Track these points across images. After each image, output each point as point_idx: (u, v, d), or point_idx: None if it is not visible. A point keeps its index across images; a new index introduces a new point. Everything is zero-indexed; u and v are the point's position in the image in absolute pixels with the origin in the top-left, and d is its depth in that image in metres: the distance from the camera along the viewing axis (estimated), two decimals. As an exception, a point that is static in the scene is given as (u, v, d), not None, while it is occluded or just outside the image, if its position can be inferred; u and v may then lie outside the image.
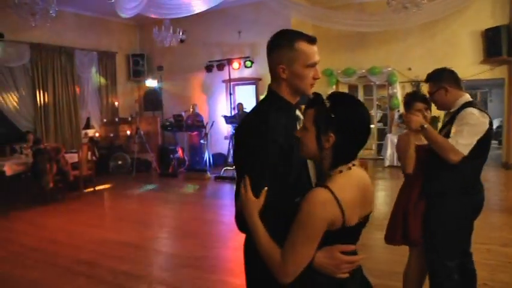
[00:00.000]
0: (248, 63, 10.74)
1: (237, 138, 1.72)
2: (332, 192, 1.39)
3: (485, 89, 18.16)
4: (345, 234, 1.46)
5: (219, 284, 4.03)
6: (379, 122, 11.69)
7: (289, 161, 1.60)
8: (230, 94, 10.95)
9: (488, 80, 10.30)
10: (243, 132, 1.68)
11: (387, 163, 9.98)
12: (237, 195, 1.61)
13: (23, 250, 5.20)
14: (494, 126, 16.55)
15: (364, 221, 1.53)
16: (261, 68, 10.78)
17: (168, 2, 8.11)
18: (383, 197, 7.48)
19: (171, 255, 4.99)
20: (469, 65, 9.46)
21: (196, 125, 10.46)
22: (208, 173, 9.66)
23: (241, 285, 3.03)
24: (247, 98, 11.07)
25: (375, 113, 11.48)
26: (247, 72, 10.91)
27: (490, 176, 8.72)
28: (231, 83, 10.99)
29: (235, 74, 10.90)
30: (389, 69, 10.10)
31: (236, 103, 10.71)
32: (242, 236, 1.72)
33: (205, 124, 10.46)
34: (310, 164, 1.70)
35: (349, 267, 1.50)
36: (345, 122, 1.44)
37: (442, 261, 2.74)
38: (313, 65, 1.69)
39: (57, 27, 9.65)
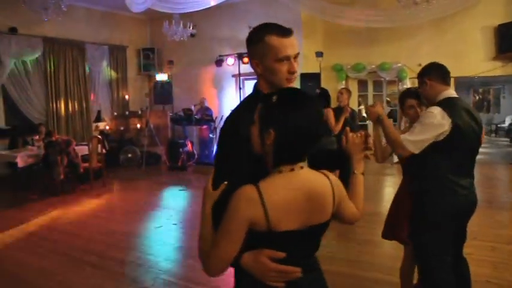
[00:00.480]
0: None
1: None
2: (259, 191, 1.35)
3: (498, 85, 17.97)
4: (274, 239, 1.38)
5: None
6: (389, 118, 11.65)
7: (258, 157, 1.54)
8: (240, 88, 10.97)
9: (501, 77, 10.20)
10: (222, 127, 1.74)
11: (395, 159, 9.93)
12: None
13: (35, 239, 5.33)
14: (507, 124, 16.45)
15: (313, 230, 1.44)
16: (270, 63, 10.79)
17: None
18: (390, 194, 7.46)
19: (178, 247, 5.06)
20: (481, 62, 9.37)
21: (206, 119, 10.53)
22: (217, 167, 9.71)
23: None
24: (257, 92, 11.08)
25: (387, 109, 11.45)
26: (257, 67, 10.92)
27: (499, 174, 8.67)
28: (241, 78, 11.02)
29: (245, 69, 10.93)
30: (399, 65, 10.03)
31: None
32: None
33: (214, 118, 10.52)
34: None
35: (279, 277, 1.40)
36: (284, 120, 1.39)
37: (426, 260, 2.75)
38: (285, 58, 1.63)
39: (69, 21, 9.75)
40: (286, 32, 1.64)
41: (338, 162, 1.92)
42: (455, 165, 2.62)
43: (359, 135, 1.68)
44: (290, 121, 1.38)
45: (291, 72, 1.65)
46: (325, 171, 1.53)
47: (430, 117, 2.53)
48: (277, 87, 1.62)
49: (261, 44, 1.63)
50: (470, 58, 9.44)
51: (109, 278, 4.11)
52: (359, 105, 11.96)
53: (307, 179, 1.44)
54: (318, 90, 6.24)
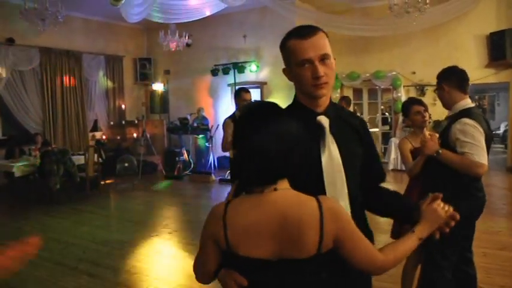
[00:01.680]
0: (253, 68, 10.83)
1: None
2: (225, 209, 1.28)
3: (493, 92, 18.16)
4: (236, 262, 1.29)
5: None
6: (383, 125, 11.73)
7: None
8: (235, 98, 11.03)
9: (495, 84, 10.30)
10: None
11: (391, 167, 10.00)
12: None
13: (31, 249, 5.34)
14: (501, 130, 16.55)
15: (287, 265, 1.24)
16: (266, 72, 10.88)
17: (172, 7, 8.25)
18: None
19: (173, 255, 5.08)
20: (474, 69, 9.44)
21: (202, 128, 10.57)
22: (213, 176, 9.76)
23: None
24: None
25: (380, 117, 11.52)
26: (252, 76, 11.01)
27: (494, 180, 8.71)
28: (236, 87, 11.08)
29: (240, 78, 11.00)
30: (394, 73, 10.14)
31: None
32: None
33: (210, 127, 10.57)
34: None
35: None
36: (241, 140, 1.29)
37: (434, 260, 2.81)
38: (306, 62, 1.49)
39: (66, 31, 9.84)
40: (305, 33, 1.50)
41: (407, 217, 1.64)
42: None
43: (447, 208, 1.49)
44: (245, 141, 1.26)
45: (315, 77, 1.48)
46: (322, 197, 1.29)
47: (472, 129, 2.60)
48: (308, 94, 1.54)
49: (284, 51, 1.57)
50: (463, 66, 9.21)
51: (104, 286, 4.13)
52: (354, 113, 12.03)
53: (281, 203, 1.25)
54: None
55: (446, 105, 2.85)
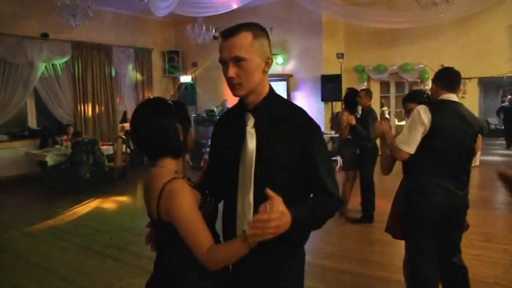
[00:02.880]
0: (280, 60, 10.88)
1: None
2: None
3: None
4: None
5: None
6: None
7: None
8: (261, 90, 11.11)
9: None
10: None
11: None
12: None
13: (61, 233, 5.62)
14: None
15: (154, 223, 1.66)
16: (292, 65, 10.91)
17: (200, 1, 8.37)
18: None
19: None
20: (506, 61, 9.24)
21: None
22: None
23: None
24: (279, 93, 11.06)
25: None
26: (278, 69, 11.07)
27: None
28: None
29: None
30: (422, 66, 9.99)
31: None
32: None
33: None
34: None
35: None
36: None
37: (413, 255, 2.86)
38: (222, 62, 1.56)
39: (97, 25, 10.13)
40: (227, 33, 1.55)
41: None
42: (436, 166, 2.68)
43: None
44: (130, 128, 1.68)
45: (226, 78, 1.56)
46: (177, 179, 1.53)
47: (414, 116, 2.64)
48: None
49: None
50: (494, 58, 9.32)
51: (128, 270, 4.33)
52: (381, 106, 11.93)
53: (150, 175, 1.61)
54: (347, 90, 6.20)
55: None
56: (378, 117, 6.20)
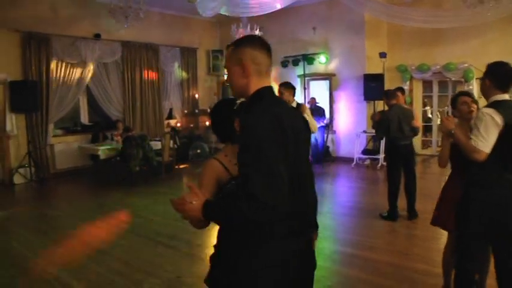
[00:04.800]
0: (323, 59, 10.99)
1: None
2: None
3: None
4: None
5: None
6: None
7: None
8: (304, 89, 11.26)
9: None
10: None
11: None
12: None
13: (115, 222, 5.92)
14: None
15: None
16: (334, 64, 11.00)
17: (244, 1, 8.60)
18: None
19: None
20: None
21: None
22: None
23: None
24: (322, 92, 11.35)
25: (449, 110, 11.22)
26: (321, 68, 11.18)
27: None
28: (306, 78, 11.32)
29: (309, 70, 11.22)
30: (466, 65, 9.83)
31: (310, 97, 11.01)
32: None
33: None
34: None
35: None
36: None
37: (462, 251, 2.93)
38: None
39: (145, 25, 10.53)
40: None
41: None
42: (498, 160, 2.74)
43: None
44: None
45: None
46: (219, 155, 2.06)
47: (489, 118, 2.68)
48: None
49: None
50: None
51: (178, 256, 4.64)
52: (424, 106, 11.82)
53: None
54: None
55: (484, 96, 2.92)
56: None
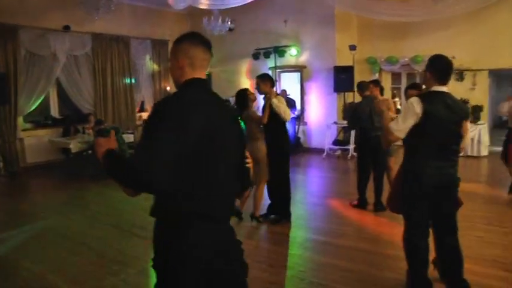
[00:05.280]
0: (294, 52, 11.12)
1: None
2: None
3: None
4: None
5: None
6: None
7: None
8: (276, 81, 11.36)
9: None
10: None
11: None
12: None
13: (93, 214, 6.11)
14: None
15: None
16: (305, 56, 11.15)
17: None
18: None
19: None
20: (517, 53, 9.35)
21: (242, 110, 11.01)
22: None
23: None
24: (293, 84, 11.53)
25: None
26: (292, 60, 11.32)
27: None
28: (277, 70, 11.44)
29: (280, 62, 11.34)
30: (432, 57, 10.13)
31: (281, 89, 11.15)
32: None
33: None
34: None
35: None
36: None
37: (408, 228, 3.26)
38: None
39: (115, 18, 10.41)
40: None
41: None
42: (427, 149, 3.03)
43: None
44: None
45: None
46: None
47: (410, 106, 2.96)
48: None
49: None
50: (505, 51, 9.41)
51: (152, 246, 4.68)
52: (393, 97, 12.12)
53: None
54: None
55: (426, 88, 3.18)
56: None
